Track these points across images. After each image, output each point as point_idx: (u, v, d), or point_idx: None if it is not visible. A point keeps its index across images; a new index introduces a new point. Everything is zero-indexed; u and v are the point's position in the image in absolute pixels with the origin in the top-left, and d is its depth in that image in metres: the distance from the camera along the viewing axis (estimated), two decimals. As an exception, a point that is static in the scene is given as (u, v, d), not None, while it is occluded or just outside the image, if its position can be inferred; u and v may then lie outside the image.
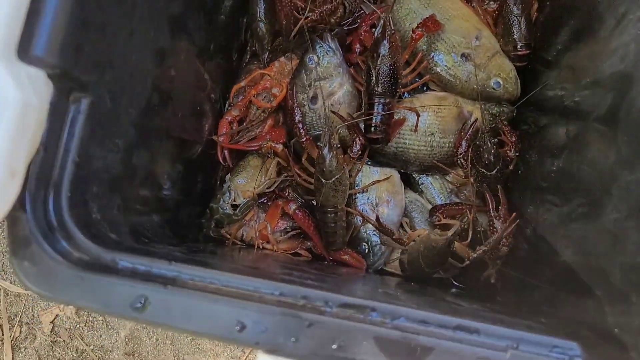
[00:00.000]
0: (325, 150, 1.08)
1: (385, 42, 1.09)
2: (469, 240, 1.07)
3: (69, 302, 0.58)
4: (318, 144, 1.10)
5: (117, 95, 0.72)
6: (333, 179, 1.08)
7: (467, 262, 1.04)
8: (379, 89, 1.09)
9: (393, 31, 1.09)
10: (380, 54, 1.09)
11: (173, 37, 0.91)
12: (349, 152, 1.12)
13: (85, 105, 0.65)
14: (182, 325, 0.57)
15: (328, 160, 1.08)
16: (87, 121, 0.66)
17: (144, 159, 0.85)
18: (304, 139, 1.12)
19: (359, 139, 1.09)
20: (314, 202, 1.15)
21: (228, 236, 1.19)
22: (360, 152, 1.11)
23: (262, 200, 1.23)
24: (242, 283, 0.61)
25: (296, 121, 1.13)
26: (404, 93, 1.19)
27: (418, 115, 1.13)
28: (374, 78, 1.09)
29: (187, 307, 0.58)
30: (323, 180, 1.09)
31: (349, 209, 1.15)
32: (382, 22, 1.09)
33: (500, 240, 1.07)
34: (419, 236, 1.10)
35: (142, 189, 0.89)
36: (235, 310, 0.58)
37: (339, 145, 1.10)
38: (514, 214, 1.07)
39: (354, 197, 1.20)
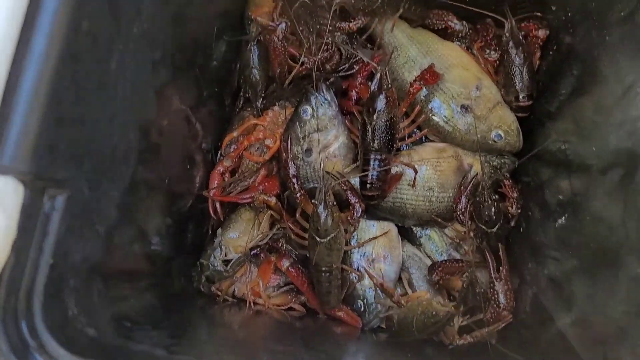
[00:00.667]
0: (321, 208, 1.04)
1: (381, 96, 1.05)
2: (457, 328, 1.03)
3: None
4: (313, 200, 1.06)
5: (97, 182, 0.68)
6: (328, 238, 1.04)
7: (451, 345, 1.00)
8: (375, 145, 1.05)
9: (390, 85, 1.05)
10: (377, 109, 1.05)
11: (161, 100, 0.87)
12: (349, 217, 1.07)
13: (61, 202, 0.61)
14: None
15: (323, 219, 1.04)
16: (63, 217, 0.62)
17: (127, 234, 0.81)
18: (298, 194, 1.08)
19: (360, 205, 1.05)
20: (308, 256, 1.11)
21: (219, 293, 1.15)
22: (360, 218, 1.07)
23: (255, 252, 1.18)
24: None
25: (290, 175, 1.09)
26: (401, 145, 1.15)
27: (416, 172, 1.09)
28: (369, 134, 1.05)
29: None
30: (317, 239, 1.05)
31: (345, 267, 1.11)
32: (378, 75, 1.05)
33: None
34: (418, 298, 1.06)
35: (125, 262, 0.86)
36: None
37: (335, 202, 1.06)
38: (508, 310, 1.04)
39: (349, 253, 1.15)
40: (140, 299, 0.87)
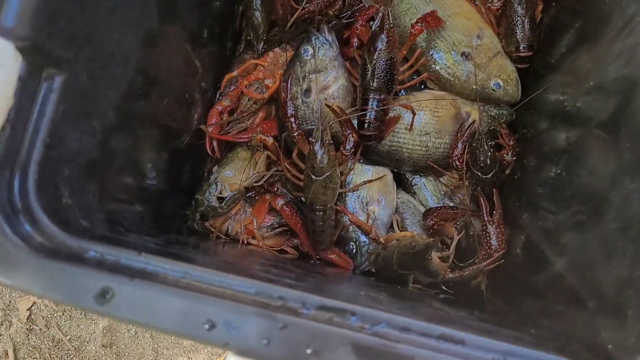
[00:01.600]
0: (317, 146, 1.04)
1: (382, 35, 1.05)
2: (449, 262, 1.04)
3: (28, 291, 0.55)
4: (310, 139, 1.07)
5: (95, 75, 0.68)
6: (323, 176, 1.05)
7: (440, 278, 1.01)
8: (374, 84, 1.05)
9: (391, 25, 1.06)
10: (377, 48, 1.05)
11: (162, 20, 0.87)
12: (341, 148, 1.08)
13: (59, 83, 0.61)
14: (147, 320, 0.54)
15: (319, 157, 1.04)
16: (60, 100, 0.62)
17: (124, 143, 0.82)
18: (295, 134, 1.08)
19: (352, 136, 1.05)
20: (303, 199, 1.11)
21: (212, 229, 1.15)
22: (353, 150, 1.08)
23: (250, 194, 1.19)
24: (215, 279, 0.57)
25: (288, 115, 1.09)
26: (400, 90, 1.15)
27: (414, 114, 1.09)
28: (369, 73, 1.06)
29: (153, 302, 0.54)
30: (313, 177, 1.05)
31: (339, 206, 1.11)
32: (380, 14, 1.05)
33: (480, 267, 1.04)
34: (403, 237, 1.07)
35: (122, 176, 0.86)
36: (205, 307, 0.54)
37: (332, 141, 1.06)
38: (500, 253, 1.04)
39: (344, 195, 1.16)
40: (131, 211, 0.87)
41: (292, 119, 1.09)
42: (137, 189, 0.97)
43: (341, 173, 1.11)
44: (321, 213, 1.08)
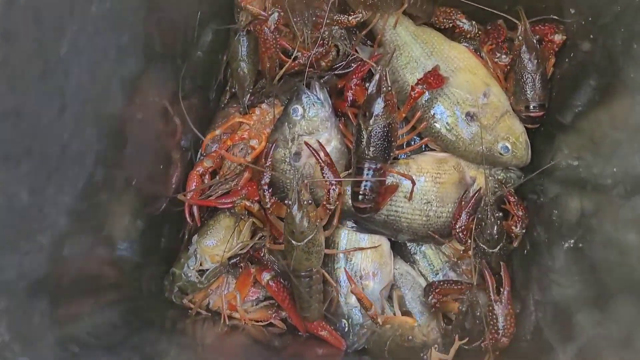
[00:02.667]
0: (295, 209, 0.94)
1: (379, 99, 0.95)
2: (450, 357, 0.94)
3: None
4: (286, 201, 0.97)
5: (39, 186, 0.57)
6: (305, 241, 0.95)
7: None
8: (370, 153, 0.95)
9: (389, 88, 0.95)
10: (374, 113, 0.95)
11: (130, 92, 0.77)
12: (323, 201, 0.98)
13: (-12, 211, 0.51)
14: None
15: (298, 220, 0.94)
16: (-10, 229, 0.51)
17: (83, 245, 0.71)
18: (268, 205, 0.98)
19: (335, 187, 0.95)
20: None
21: (191, 306, 1.05)
22: (337, 202, 0.97)
23: (234, 260, 1.09)
24: None
25: (262, 183, 0.98)
26: (399, 154, 1.05)
27: (413, 183, 0.99)
28: (364, 140, 0.95)
29: None
30: (294, 243, 0.95)
31: (326, 275, 1.01)
32: (377, 76, 0.95)
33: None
34: (405, 323, 0.97)
35: (82, 275, 0.75)
36: None
37: (311, 201, 0.96)
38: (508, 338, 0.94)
39: (335, 267, 1.06)
40: (97, 317, 0.77)
41: (266, 187, 0.99)
42: (106, 267, 0.88)
43: (325, 228, 1.00)
44: (307, 279, 0.98)
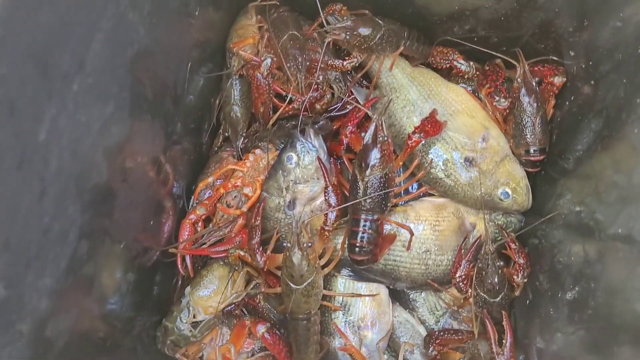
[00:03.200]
0: (295, 252, 0.91)
1: (375, 150, 0.92)
2: None
3: None
4: (285, 244, 0.94)
5: (18, 276, 0.55)
6: (305, 284, 0.92)
7: None
8: (367, 205, 0.92)
9: (386, 137, 0.93)
10: (369, 164, 0.92)
11: (115, 157, 0.74)
12: (322, 224, 0.95)
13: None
14: None
15: (297, 264, 0.91)
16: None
17: (66, 320, 0.68)
18: (262, 264, 0.95)
19: (334, 212, 0.93)
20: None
21: (185, 359, 1.02)
22: (334, 224, 0.94)
23: (228, 309, 1.05)
24: None
25: (253, 243, 0.95)
26: (397, 202, 1.02)
27: (411, 234, 0.96)
28: (360, 192, 0.93)
29: None
30: (293, 286, 0.92)
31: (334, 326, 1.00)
32: (372, 126, 0.92)
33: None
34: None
35: (67, 351, 0.72)
36: None
37: (310, 243, 0.93)
38: None
39: (331, 318, 1.03)
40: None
41: (256, 246, 0.95)
42: (95, 328, 0.85)
43: (320, 256, 0.97)
44: (305, 322, 0.96)
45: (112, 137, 0.68)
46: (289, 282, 0.93)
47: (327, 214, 0.93)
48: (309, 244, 0.93)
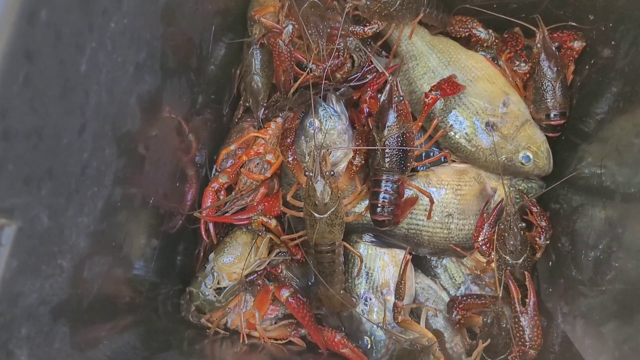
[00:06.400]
0: (318, 180, 0.91)
1: (391, 110, 0.92)
2: None
3: None
4: (306, 173, 0.94)
5: (60, 207, 0.56)
6: (328, 213, 0.92)
7: None
8: (386, 165, 0.93)
9: (402, 98, 0.93)
10: (386, 124, 0.92)
11: (146, 108, 0.75)
12: (350, 160, 0.96)
13: (10, 235, 0.49)
14: None
15: (319, 192, 0.91)
16: (12, 253, 0.49)
17: (102, 265, 0.69)
18: (290, 158, 0.95)
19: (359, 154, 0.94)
20: (308, 241, 0.98)
21: (209, 325, 1.02)
22: (362, 162, 0.94)
23: (251, 277, 1.06)
24: None
25: (286, 141, 0.96)
26: (418, 166, 1.03)
27: (432, 202, 0.97)
28: (379, 152, 0.93)
29: None
30: (316, 216, 0.92)
31: (347, 245, 1.00)
32: (388, 86, 0.93)
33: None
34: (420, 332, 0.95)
35: (100, 298, 0.73)
36: None
37: (332, 172, 0.93)
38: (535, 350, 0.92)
39: (355, 284, 1.03)
40: (116, 341, 0.75)
41: (289, 145, 0.96)
42: (123, 288, 0.86)
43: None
44: (330, 253, 0.96)
45: (145, 84, 0.69)
46: (313, 212, 0.93)
47: (355, 150, 0.94)
48: (331, 172, 0.93)
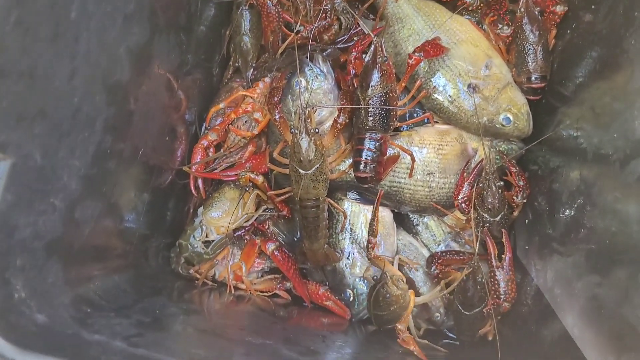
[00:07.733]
0: (303, 137, 0.94)
1: (375, 70, 0.95)
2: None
3: None
4: (292, 130, 0.96)
5: (52, 148, 0.59)
6: (313, 169, 0.96)
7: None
8: (369, 123, 0.96)
9: (385, 58, 0.95)
10: (370, 84, 0.95)
11: (135, 60, 0.78)
12: (335, 119, 0.99)
13: (5, 169, 0.52)
14: None
15: (304, 149, 0.94)
16: (7, 187, 0.53)
17: (93, 210, 0.73)
18: (277, 116, 0.99)
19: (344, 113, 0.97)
20: (294, 197, 1.01)
21: (198, 276, 1.07)
22: (346, 121, 0.98)
23: (239, 233, 1.10)
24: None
25: (274, 99, 0.99)
26: (401, 126, 1.06)
27: (413, 160, 1.00)
28: (363, 110, 0.96)
29: None
30: (301, 172, 0.96)
31: (331, 202, 1.05)
32: (372, 47, 0.95)
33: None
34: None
35: (92, 240, 0.77)
36: None
37: (317, 129, 0.96)
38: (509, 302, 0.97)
39: (339, 238, 1.07)
40: (106, 281, 0.78)
41: (276, 104, 0.99)
42: (114, 237, 0.89)
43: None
44: (314, 209, 0.99)
45: (134, 37, 0.72)
46: (298, 168, 0.96)
47: (340, 109, 0.97)
48: (316, 130, 0.96)
